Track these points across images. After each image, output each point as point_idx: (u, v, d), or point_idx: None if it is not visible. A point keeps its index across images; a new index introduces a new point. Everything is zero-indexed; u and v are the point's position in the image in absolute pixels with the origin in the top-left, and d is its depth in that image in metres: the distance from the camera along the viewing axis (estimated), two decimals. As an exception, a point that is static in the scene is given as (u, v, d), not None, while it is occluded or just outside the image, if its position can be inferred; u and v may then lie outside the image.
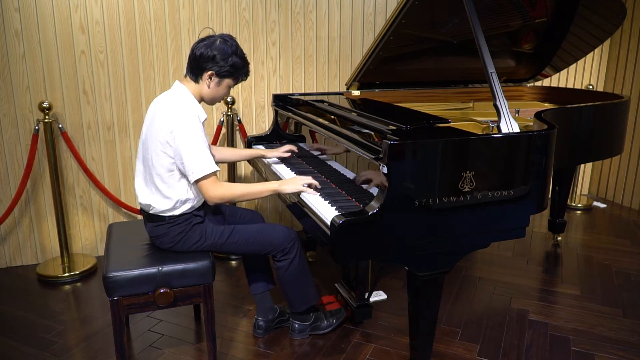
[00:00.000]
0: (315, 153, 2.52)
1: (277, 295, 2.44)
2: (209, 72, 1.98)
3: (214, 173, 1.95)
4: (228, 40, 1.99)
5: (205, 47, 1.96)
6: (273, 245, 2.15)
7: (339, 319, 2.43)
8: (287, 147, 2.60)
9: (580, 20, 3.01)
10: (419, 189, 1.73)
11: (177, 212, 2.03)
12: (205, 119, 2.04)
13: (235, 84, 2.08)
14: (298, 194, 2.07)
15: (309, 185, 2.07)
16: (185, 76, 2.05)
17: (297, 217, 2.18)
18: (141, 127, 2.10)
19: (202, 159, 1.92)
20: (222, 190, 1.97)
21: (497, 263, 3.22)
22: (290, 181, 2.08)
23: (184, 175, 1.98)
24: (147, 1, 3.05)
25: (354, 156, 2.13)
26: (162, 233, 2.05)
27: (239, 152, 2.64)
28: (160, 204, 2.02)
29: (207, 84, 2.01)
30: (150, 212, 2.05)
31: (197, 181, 1.94)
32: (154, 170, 1.99)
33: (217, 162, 2.42)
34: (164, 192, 2.00)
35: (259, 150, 2.67)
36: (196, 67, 1.99)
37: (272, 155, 2.59)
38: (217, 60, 1.96)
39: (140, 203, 2.09)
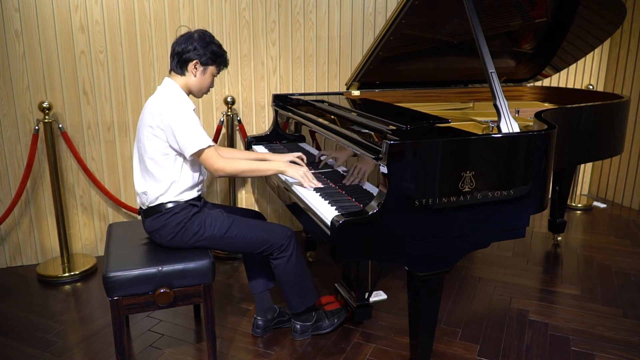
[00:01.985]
0: (323, 158, 2.47)
1: (277, 296, 2.44)
2: (194, 62, 2.08)
3: (210, 147, 2.02)
4: (204, 33, 2.11)
5: (185, 41, 2.08)
6: (270, 242, 2.16)
7: (340, 318, 2.44)
8: (295, 155, 2.42)
9: (580, 20, 3.01)
10: (419, 189, 1.73)
11: (172, 196, 2.06)
12: (194, 109, 2.11)
13: (218, 72, 2.18)
14: (291, 185, 2.17)
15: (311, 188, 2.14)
16: (171, 72, 2.15)
17: (297, 217, 2.18)
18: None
19: (195, 134, 1.99)
20: (224, 162, 2.05)
21: (497, 263, 3.22)
22: (295, 168, 2.17)
23: (180, 155, 2.05)
24: (147, 1, 3.05)
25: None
26: (160, 225, 2.06)
27: (243, 155, 2.52)
28: (154, 189, 2.05)
29: (194, 74, 2.10)
30: (147, 204, 2.08)
31: (195, 155, 2.02)
32: (146, 155, 2.05)
33: None
34: (157, 175, 2.04)
35: (264, 155, 2.51)
36: (180, 61, 2.09)
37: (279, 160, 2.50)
38: (198, 50, 2.07)
39: (137, 193, 2.13)
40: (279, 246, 2.17)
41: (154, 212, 2.07)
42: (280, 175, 2.28)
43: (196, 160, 2.09)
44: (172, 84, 2.10)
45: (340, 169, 2.23)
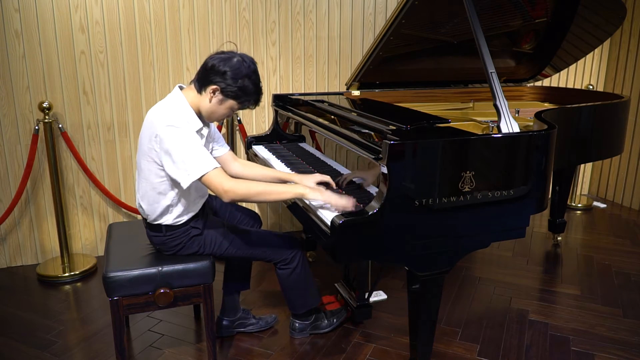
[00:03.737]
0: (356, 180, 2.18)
1: (278, 295, 2.44)
2: (214, 87, 1.85)
3: (216, 169, 1.82)
4: (246, 62, 1.86)
5: (221, 60, 1.84)
6: (274, 255, 2.13)
7: (339, 318, 2.44)
8: (322, 178, 2.13)
9: (580, 20, 3.01)
10: (419, 189, 1.73)
11: (171, 220, 1.97)
12: (200, 129, 1.92)
13: (240, 108, 1.95)
14: (315, 208, 1.90)
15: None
16: (191, 83, 1.96)
17: (297, 217, 2.18)
18: (141, 127, 2.09)
19: (195, 159, 1.79)
20: (235, 184, 1.82)
21: (497, 263, 3.22)
22: (317, 191, 1.90)
23: (175, 183, 1.89)
24: (147, 1, 3.05)
25: (354, 156, 2.13)
26: (160, 242, 2.03)
27: (268, 174, 2.25)
28: (151, 211, 1.97)
29: (209, 98, 1.88)
30: (147, 220, 2.02)
31: (199, 180, 1.83)
32: (142, 174, 1.96)
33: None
34: (153, 198, 1.95)
35: (291, 175, 2.22)
36: (204, 77, 1.87)
37: (306, 183, 2.09)
38: (227, 77, 1.83)
39: (137, 203, 2.08)
40: (282, 259, 2.14)
41: (154, 229, 2.02)
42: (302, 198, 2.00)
43: (193, 184, 1.88)
44: (180, 99, 1.90)
45: (357, 180, 2.06)
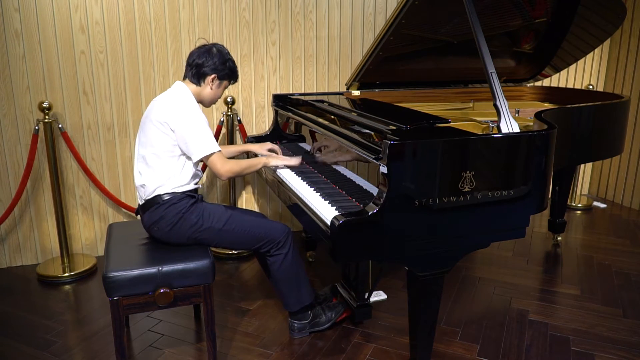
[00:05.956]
0: (317, 155, 2.52)
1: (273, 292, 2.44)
2: (212, 76, 2.20)
3: (219, 152, 2.13)
4: (222, 49, 2.25)
5: (204, 54, 2.19)
6: (268, 238, 2.19)
7: (337, 313, 2.44)
8: (270, 145, 2.66)
9: (580, 20, 3.01)
10: (419, 189, 1.73)
11: (169, 188, 2.10)
12: None
13: (227, 85, 2.32)
14: (284, 180, 2.37)
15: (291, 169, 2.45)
16: (185, 79, 2.24)
17: (297, 217, 2.18)
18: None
19: (204, 140, 2.10)
20: (230, 165, 2.18)
21: (497, 263, 3.22)
22: (275, 157, 2.48)
23: (184, 154, 2.13)
24: (147, 1, 3.05)
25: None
26: (159, 217, 2.09)
27: (229, 149, 2.68)
28: (152, 180, 2.10)
29: (210, 87, 2.22)
30: (145, 197, 2.12)
31: (203, 160, 2.12)
32: (152, 149, 2.11)
33: None
34: (157, 168, 2.11)
35: (247, 146, 2.74)
36: (199, 72, 2.20)
37: (260, 151, 2.62)
38: (217, 65, 2.20)
39: (136, 187, 2.17)
40: (276, 243, 2.19)
41: (152, 204, 2.11)
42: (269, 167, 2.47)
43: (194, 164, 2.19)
44: (185, 89, 2.19)
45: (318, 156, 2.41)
